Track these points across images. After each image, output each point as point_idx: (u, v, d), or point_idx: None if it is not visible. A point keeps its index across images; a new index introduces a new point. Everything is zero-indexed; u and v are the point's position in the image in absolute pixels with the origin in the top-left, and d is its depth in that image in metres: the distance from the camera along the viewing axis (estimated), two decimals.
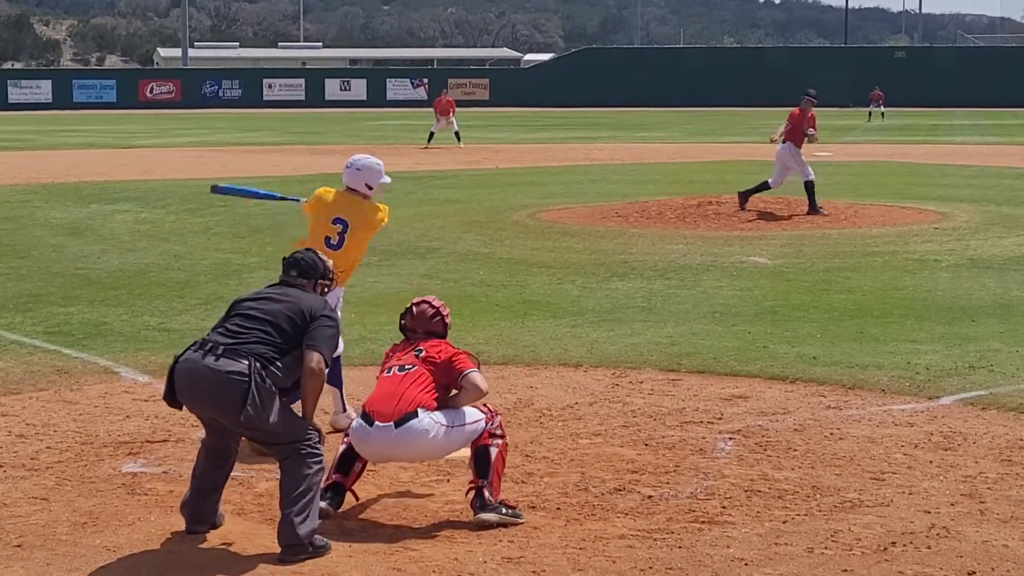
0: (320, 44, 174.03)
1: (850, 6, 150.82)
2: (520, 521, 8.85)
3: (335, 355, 10.71)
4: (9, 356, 14.40)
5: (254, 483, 9.73)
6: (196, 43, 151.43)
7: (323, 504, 8.77)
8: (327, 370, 8.58)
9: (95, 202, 30.47)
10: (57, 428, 11.35)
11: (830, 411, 11.88)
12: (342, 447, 9.17)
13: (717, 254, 21.89)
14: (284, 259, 9.12)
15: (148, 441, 10.91)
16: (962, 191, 33.27)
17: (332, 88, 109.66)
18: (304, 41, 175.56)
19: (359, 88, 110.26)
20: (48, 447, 10.76)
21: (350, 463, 9.12)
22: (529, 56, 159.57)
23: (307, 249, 9.31)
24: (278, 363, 8.41)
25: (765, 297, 18.08)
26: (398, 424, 8.73)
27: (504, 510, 8.87)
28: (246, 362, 8.28)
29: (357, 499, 9.19)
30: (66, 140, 60.22)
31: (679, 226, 25.55)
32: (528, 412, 11.85)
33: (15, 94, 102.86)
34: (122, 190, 33.30)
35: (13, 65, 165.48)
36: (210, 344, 8.41)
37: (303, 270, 9.10)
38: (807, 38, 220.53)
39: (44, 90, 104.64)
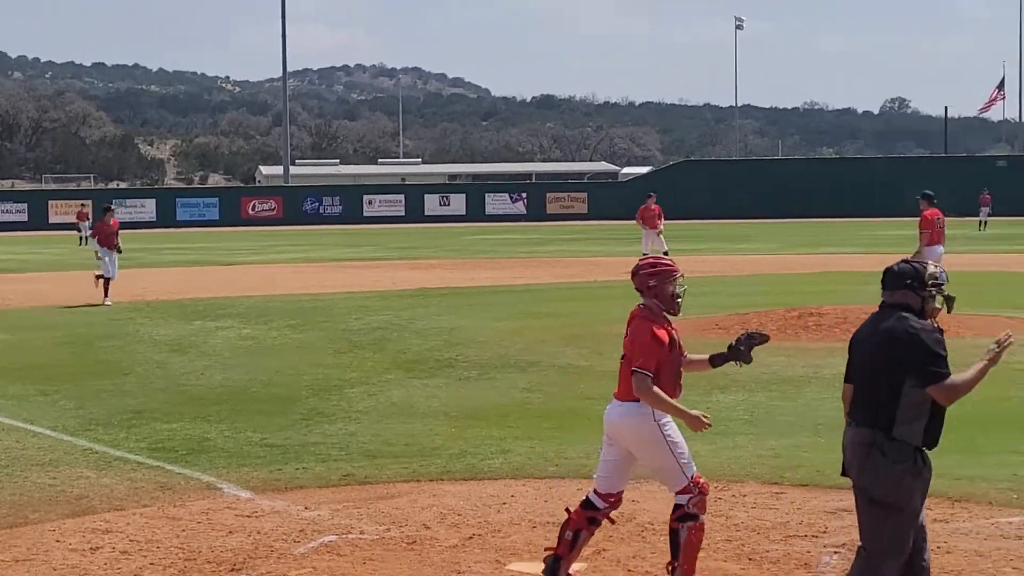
0: (419, 160, 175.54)
1: (949, 116, 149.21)
2: None
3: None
4: (113, 472, 14.52)
5: None
6: (297, 160, 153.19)
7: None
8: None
9: (198, 319, 30.75)
10: (160, 544, 11.41)
11: (937, 524, 11.65)
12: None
13: (819, 366, 21.70)
14: None
15: (251, 557, 10.94)
16: None
17: (431, 203, 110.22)
18: (403, 157, 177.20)
19: (458, 203, 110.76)
20: (151, 563, 10.82)
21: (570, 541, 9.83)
22: (627, 169, 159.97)
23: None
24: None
25: None
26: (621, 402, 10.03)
27: None
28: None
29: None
30: (170, 258, 61.04)
31: (780, 338, 25.33)
32: (630, 527, 11.77)
33: (120, 213, 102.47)
34: (225, 307, 33.60)
35: (118, 185, 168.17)
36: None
37: (886, 281, 8.34)
38: (906, 148, 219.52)
39: (148, 209, 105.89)
